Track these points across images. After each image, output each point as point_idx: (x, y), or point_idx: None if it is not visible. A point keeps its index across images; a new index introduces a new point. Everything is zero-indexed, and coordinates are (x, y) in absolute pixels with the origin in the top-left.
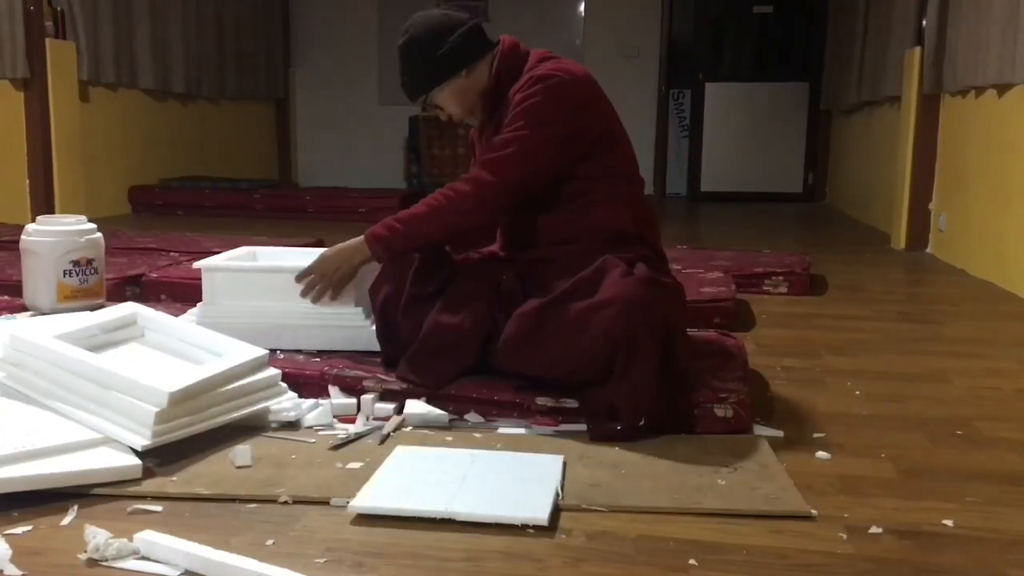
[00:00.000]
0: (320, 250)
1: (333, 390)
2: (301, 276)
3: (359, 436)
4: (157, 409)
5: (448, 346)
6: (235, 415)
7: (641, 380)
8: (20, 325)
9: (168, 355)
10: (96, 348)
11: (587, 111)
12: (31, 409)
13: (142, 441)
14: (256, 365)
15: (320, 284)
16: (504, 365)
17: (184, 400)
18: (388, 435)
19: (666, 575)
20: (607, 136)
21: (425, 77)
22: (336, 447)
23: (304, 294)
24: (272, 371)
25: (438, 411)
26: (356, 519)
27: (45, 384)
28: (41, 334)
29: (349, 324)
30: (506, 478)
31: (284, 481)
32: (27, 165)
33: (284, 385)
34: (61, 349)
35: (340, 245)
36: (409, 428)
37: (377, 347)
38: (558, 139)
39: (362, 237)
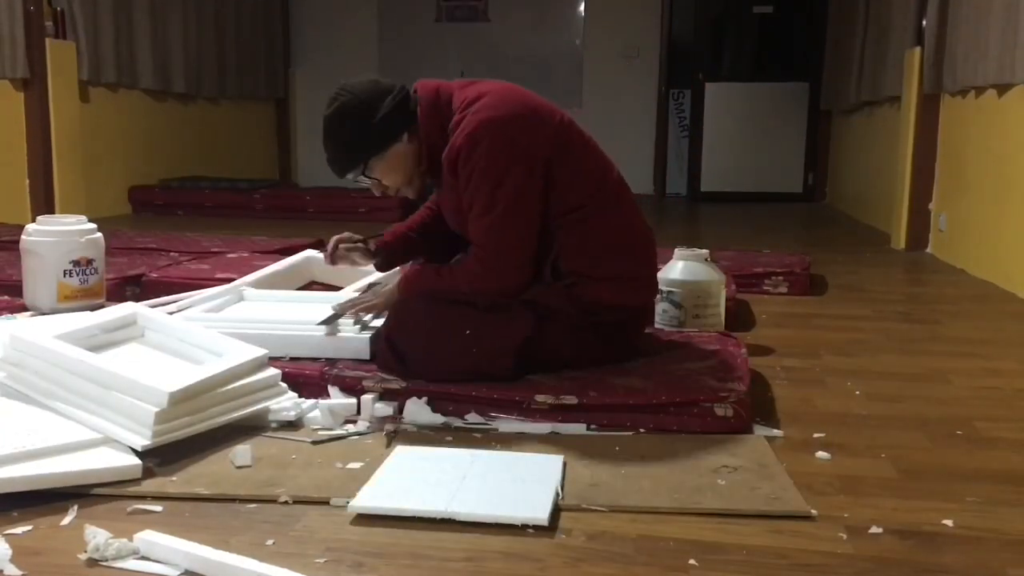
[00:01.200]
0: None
1: (333, 390)
2: (347, 306)
3: (349, 435)
4: (157, 409)
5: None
6: (235, 415)
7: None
8: (20, 325)
9: (168, 355)
10: (96, 348)
11: (531, 142)
12: (31, 409)
13: (142, 441)
14: (256, 365)
15: (365, 311)
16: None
17: (184, 400)
18: (393, 434)
19: (666, 575)
20: (556, 165)
21: (361, 147)
22: (318, 442)
23: (346, 313)
24: (272, 371)
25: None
26: (356, 519)
27: (45, 384)
28: (41, 334)
29: (341, 334)
30: (506, 478)
31: (284, 481)
32: (27, 165)
33: (284, 385)
34: (61, 349)
35: (385, 291)
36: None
37: (366, 356)
38: (525, 184)
39: (397, 286)
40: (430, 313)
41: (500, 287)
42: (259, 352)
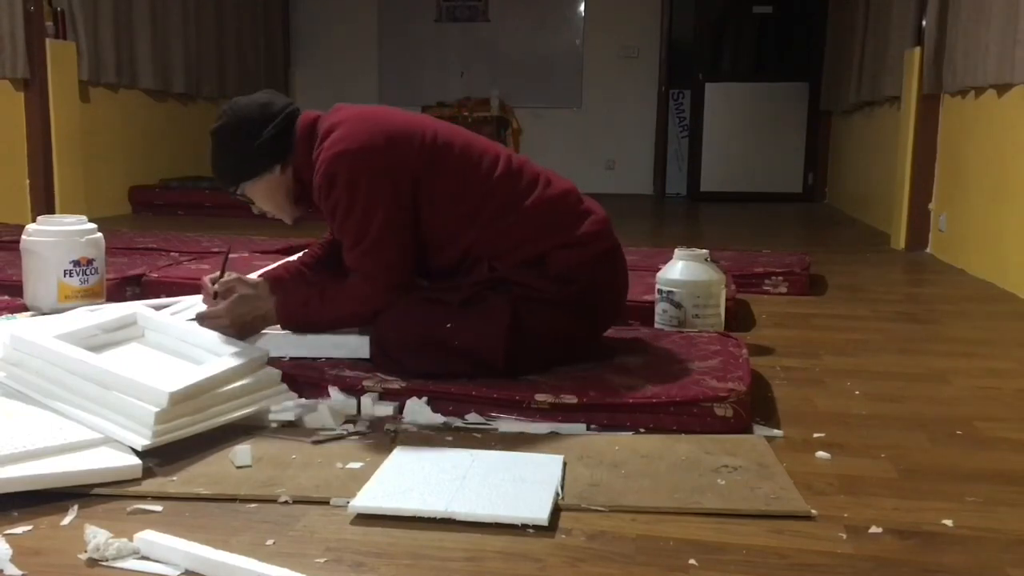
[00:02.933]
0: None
1: (333, 390)
2: (206, 317)
3: (349, 435)
4: (157, 409)
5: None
6: (235, 415)
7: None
8: (20, 325)
9: (168, 355)
10: (96, 348)
11: (388, 165)
12: (31, 409)
13: (142, 441)
14: (256, 365)
15: (226, 329)
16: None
17: (184, 400)
18: (394, 434)
19: (666, 575)
20: (427, 185)
21: (234, 171)
22: (318, 442)
23: (205, 325)
24: (272, 371)
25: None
26: (356, 519)
27: (45, 384)
28: (41, 334)
29: (341, 333)
30: (506, 478)
31: (284, 481)
32: (27, 165)
33: (284, 385)
34: (61, 349)
35: (253, 309)
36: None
37: (365, 355)
38: (390, 208)
39: (273, 310)
40: (408, 317)
41: (384, 306)
42: (259, 352)
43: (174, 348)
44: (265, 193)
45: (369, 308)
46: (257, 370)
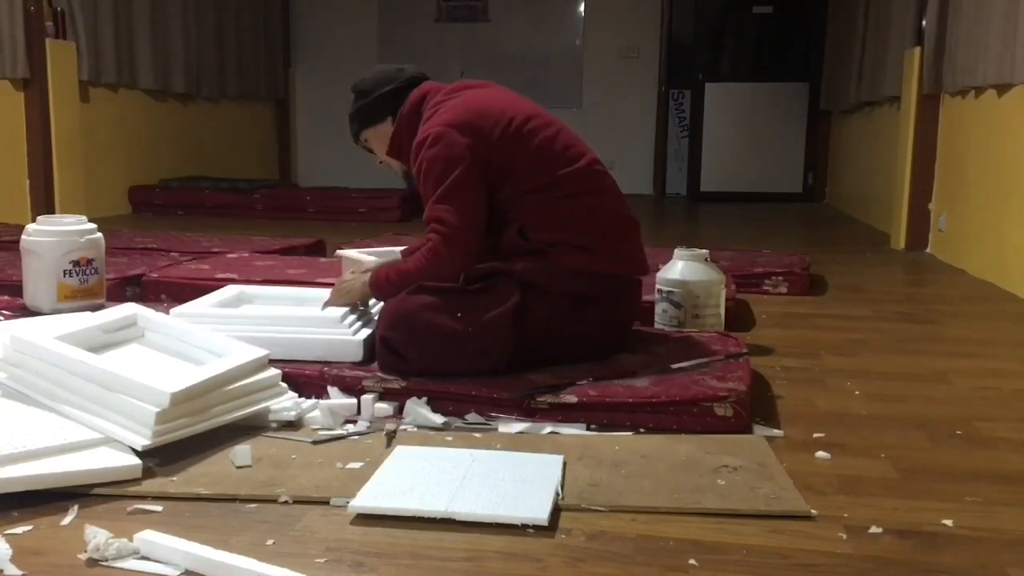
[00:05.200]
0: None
1: (333, 390)
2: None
3: (349, 435)
4: (158, 409)
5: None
6: (236, 415)
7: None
8: (21, 326)
9: (169, 356)
10: (97, 349)
11: (467, 150)
12: (31, 409)
13: (143, 441)
14: (257, 366)
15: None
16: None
17: (185, 400)
18: (393, 434)
19: (666, 575)
20: (504, 160)
21: (358, 118)
22: (318, 442)
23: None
24: (273, 371)
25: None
26: (356, 519)
27: (46, 385)
28: (41, 335)
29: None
30: (506, 478)
31: (284, 481)
32: (27, 165)
33: (284, 385)
34: (61, 350)
35: (348, 285)
36: (407, 428)
37: (359, 358)
38: (466, 176)
39: (366, 280)
40: (419, 306)
41: (452, 259)
42: (260, 353)
43: (175, 349)
44: (378, 141)
45: (443, 264)
46: (258, 371)
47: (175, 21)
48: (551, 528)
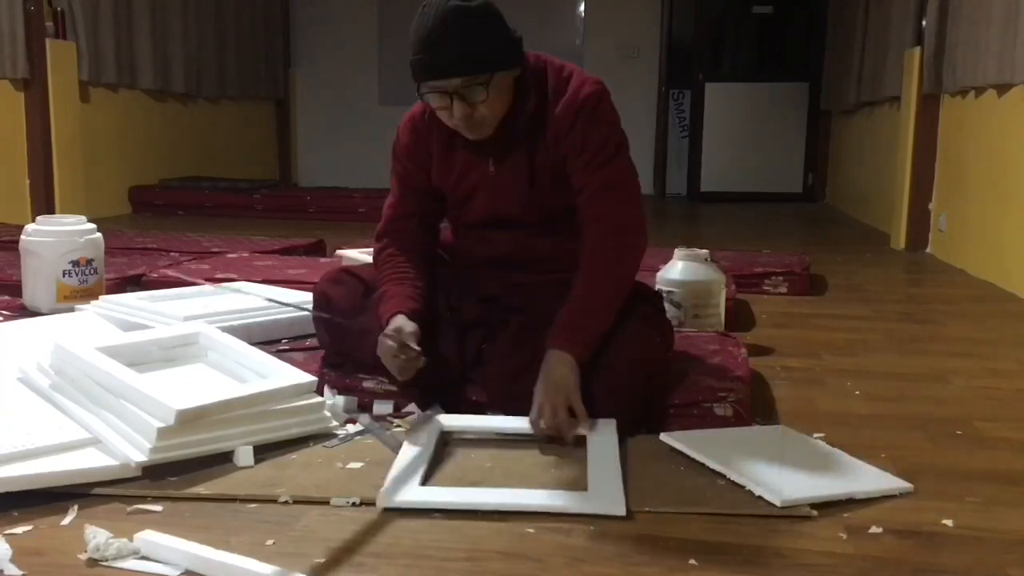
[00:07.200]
0: None
1: (332, 391)
2: (536, 422)
3: (349, 435)
4: (162, 425)
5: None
6: (257, 439)
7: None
8: (72, 334)
9: (224, 376)
10: (151, 364)
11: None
12: (34, 409)
13: (140, 456)
14: (298, 391)
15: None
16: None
17: (196, 419)
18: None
19: (666, 575)
20: None
21: (496, 54)
22: (319, 442)
23: (547, 432)
24: (316, 399)
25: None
26: (356, 519)
27: (74, 392)
28: (82, 345)
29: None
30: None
31: (284, 481)
32: (27, 165)
33: (328, 415)
34: (91, 359)
35: (554, 380)
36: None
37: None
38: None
39: (569, 359)
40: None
41: (640, 227)
42: (307, 379)
43: (230, 369)
44: (504, 90)
45: (640, 244)
46: (300, 395)
47: (175, 21)
48: (552, 527)
